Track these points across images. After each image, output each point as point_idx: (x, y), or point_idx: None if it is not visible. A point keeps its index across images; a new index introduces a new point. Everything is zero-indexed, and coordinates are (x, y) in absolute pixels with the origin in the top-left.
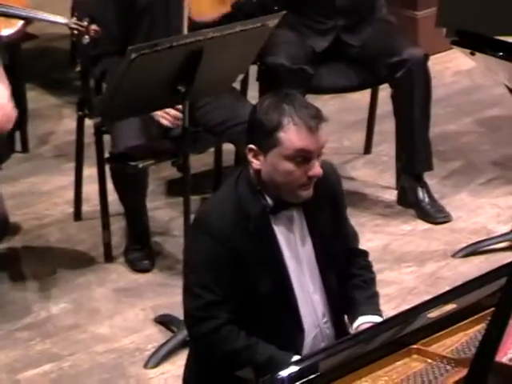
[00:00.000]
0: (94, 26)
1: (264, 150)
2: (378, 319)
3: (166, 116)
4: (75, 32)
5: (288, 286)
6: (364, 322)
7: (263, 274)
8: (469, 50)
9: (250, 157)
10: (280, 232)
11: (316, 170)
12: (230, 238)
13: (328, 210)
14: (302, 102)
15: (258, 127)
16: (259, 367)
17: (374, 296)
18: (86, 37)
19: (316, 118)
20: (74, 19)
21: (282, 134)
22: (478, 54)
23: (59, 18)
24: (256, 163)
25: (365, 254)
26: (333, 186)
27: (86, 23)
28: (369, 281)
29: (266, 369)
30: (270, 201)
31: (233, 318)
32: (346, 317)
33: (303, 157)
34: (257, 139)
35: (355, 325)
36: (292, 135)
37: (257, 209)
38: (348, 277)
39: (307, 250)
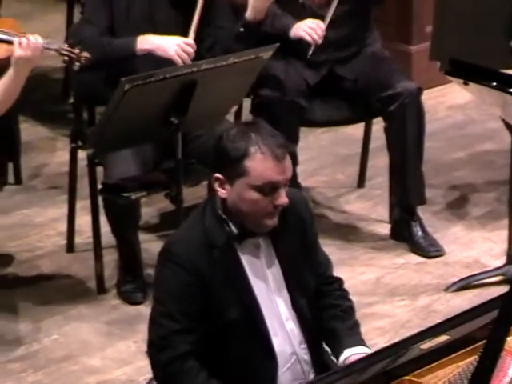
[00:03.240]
0: (85, 54)
1: (230, 178)
2: (363, 349)
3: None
4: (66, 58)
5: (256, 313)
6: (350, 354)
7: (230, 302)
8: (462, 80)
9: (216, 186)
10: (246, 259)
11: (282, 199)
12: (195, 265)
13: (296, 236)
14: (269, 130)
15: (224, 156)
16: None
17: (355, 326)
18: (77, 64)
19: (282, 147)
20: (66, 45)
21: (248, 163)
22: (471, 84)
23: (51, 43)
24: (222, 192)
25: (339, 281)
26: (301, 213)
27: (77, 50)
28: (347, 310)
29: None
30: (234, 229)
31: (194, 350)
32: (326, 346)
33: (270, 187)
34: (223, 168)
35: (342, 358)
36: (259, 164)
37: (222, 237)
38: (325, 307)
39: (276, 277)
